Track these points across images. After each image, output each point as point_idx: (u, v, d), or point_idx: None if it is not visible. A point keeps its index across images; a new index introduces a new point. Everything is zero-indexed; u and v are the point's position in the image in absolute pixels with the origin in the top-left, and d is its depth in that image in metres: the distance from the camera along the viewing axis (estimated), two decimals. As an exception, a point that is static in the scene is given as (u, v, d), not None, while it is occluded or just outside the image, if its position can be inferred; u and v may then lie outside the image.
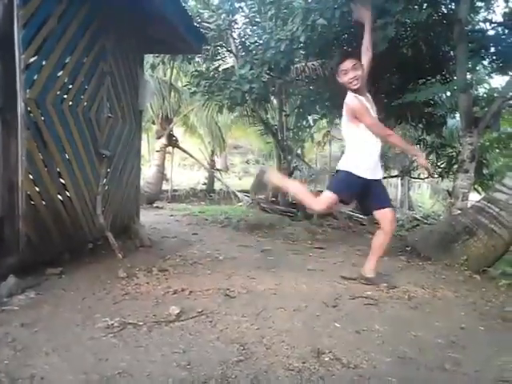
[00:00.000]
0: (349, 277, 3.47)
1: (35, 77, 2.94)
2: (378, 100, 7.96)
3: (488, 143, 8.35)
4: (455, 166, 6.31)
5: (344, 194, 3.25)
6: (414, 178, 12.12)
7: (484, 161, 7.48)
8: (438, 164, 8.14)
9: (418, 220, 11.18)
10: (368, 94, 3.30)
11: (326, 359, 1.97)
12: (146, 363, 1.85)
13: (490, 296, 3.21)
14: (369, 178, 3.17)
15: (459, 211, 5.10)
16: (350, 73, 3.08)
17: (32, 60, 2.91)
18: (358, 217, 10.18)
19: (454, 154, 7.54)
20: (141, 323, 2.27)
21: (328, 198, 3.21)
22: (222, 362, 1.88)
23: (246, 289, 3.04)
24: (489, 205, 4.35)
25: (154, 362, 1.87)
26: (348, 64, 3.08)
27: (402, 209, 14.82)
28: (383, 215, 3.25)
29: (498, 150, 9.09)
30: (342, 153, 3.49)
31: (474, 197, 6.70)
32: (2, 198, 2.73)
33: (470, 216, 4.47)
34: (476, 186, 7.38)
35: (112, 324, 2.23)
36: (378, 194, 3.29)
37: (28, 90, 2.82)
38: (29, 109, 2.86)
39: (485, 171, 7.55)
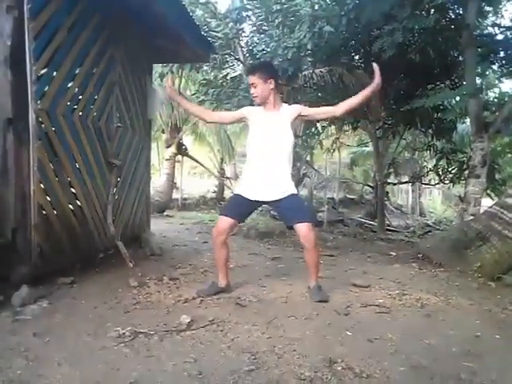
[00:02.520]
0: (360, 284, 3.44)
1: (46, 88, 2.97)
2: (386, 106, 8.00)
3: (499, 148, 8.28)
4: (466, 172, 6.25)
5: (229, 214, 3.04)
6: (424, 183, 12.03)
7: (496, 166, 7.40)
8: (449, 169, 8.07)
9: (430, 226, 11.10)
10: (284, 106, 3.09)
11: (339, 368, 1.94)
12: (158, 373, 1.84)
13: (505, 303, 3.14)
14: (251, 198, 2.99)
15: (472, 217, 5.05)
16: (252, 89, 3.01)
17: (43, 71, 2.95)
18: (368, 223, 10.13)
19: (464, 159, 7.48)
20: (152, 332, 2.27)
21: (218, 220, 3.11)
22: (234, 372, 1.86)
23: (256, 297, 3.02)
24: (502, 210, 4.29)
25: (165, 371, 1.86)
26: (250, 79, 3.02)
27: (413, 215, 14.71)
28: (298, 231, 2.99)
29: (510, 155, 9.01)
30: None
31: (487, 202, 6.62)
32: (14, 209, 2.75)
33: (483, 222, 4.42)
34: (488, 192, 7.30)
35: (123, 333, 2.23)
36: (286, 212, 3.06)
37: (39, 101, 2.86)
38: (40, 119, 2.89)
39: (497, 176, 7.48)
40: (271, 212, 9.08)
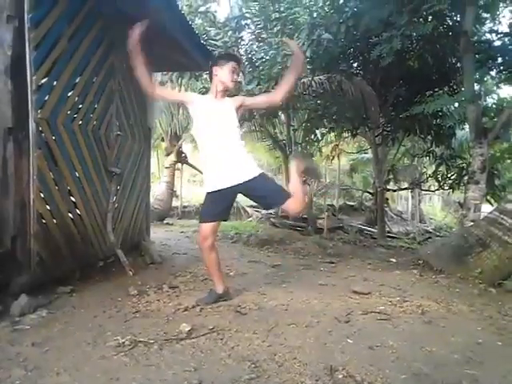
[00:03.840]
0: (361, 291, 3.43)
1: (46, 97, 2.99)
2: (385, 112, 8.02)
3: (499, 154, 8.28)
4: (466, 178, 6.26)
5: (208, 218, 3.02)
6: (424, 190, 12.04)
7: (495, 172, 7.41)
8: (449, 176, 8.07)
9: (430, 233, 11.08)
10: (228, 98, 3.09)
11: (340, 376, 1.93)
12: (157, 382, 1.83)
13: (506, 310, 3.14)
14: (223, 187, 2.94)
15: (472, 223, 5.04)
16: (236, 73, 3.04)
17: (43, 81, 2.97)
18: (368, 230, 10.12)
19: (464, 165, 7.49)
20: (152, 341, 2.25)
21: (199, 228, 3.09)
22: (234, 380, 1.85)
23: (257, 305, 3.01)
24: (502, 216, 4.29)
25: (165, 380, 1.84)
26: (239, 66, 3.10)
27: (413, 221, 14.70)
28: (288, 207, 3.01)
29: (509, 161, 9.02)
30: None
31: (487, 208, 6.62)
32: (14, 217, 2.75)
33: (483, 228, 4.41)
34: (488, 198, 7.30)
35: (123, 342, 2.21)
36: (264, 198, 3.08)
37: (39, 111, 2.87)
38: (40, 128, 2.90)
39: (496, 182, 7.48)
40: (271, 220, 9.07)
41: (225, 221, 3.26)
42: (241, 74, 7.84)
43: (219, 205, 3.03)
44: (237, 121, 3.03)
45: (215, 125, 2.95)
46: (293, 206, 2.94)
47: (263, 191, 3.00)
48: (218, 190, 2.95)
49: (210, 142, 2.97)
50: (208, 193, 3.03)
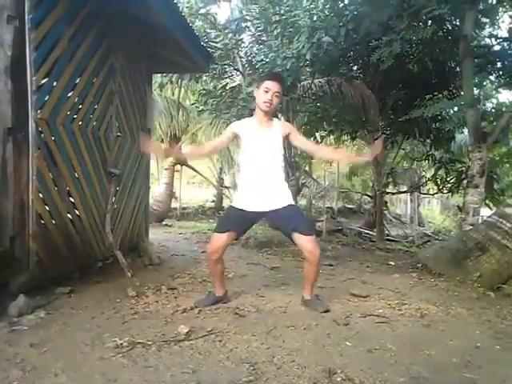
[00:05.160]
0: (359, 294, 3.43)
1: (46, 98, 2.99)
2: (384, 116, 8.03)
3: (498, 158, 8.29)
4: (465, 182, 6.26)
5: (224, 230, 2.96)
6: (423, 193, 12.04)
7: (494, 176, 7.40)
8: (448, 179, 8.08)
9: (429, 236, 11.08)
10: (275, 121, 3.07)
11: (338, 379, 1.93)
12: (155, 384, 1.82)
13: (505, 314, 3.13)
14: (249, 209, 2.92)
15: (470, 227, 5.04)
16: (270, 94, 2.89)
17: (43, 81, 2.97)
18: (367, 233, 10.12)
19: (463, 169, 7.48)
20: (150, 343, 2.25)
21: (212, 237, 3.04)
22: (232, 383, 1.85)
23: (255, 307, 3.01)
24: (501, 220, 4.29)
25: (163, 382, 1.84)
26: (275, 86, 2.90)
27: (411, 225, 14.69)
28: (304, 242, 2.89)
29: (508, 165, 9.03)
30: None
31: (485, 212, 6.62)
32: (13, 218, 2.75)
33: (482, 232, 4.41)
34: (487, 201, 7.30)
35: (121, 344, 2.21)
36: (285, 220, 2.97)
37: (39, 111, 2.87)
38: (40, 129, 2.90)
39: (495, 186, 7.48)
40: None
41: (235, 240, 3.20)
42: (241, 77, 7.86)
43: (238, 222, 3.01)
44: (281, 148, 3.01)
45: (259, 152, 2.95)
46: (310, 244, 2.86)
47: (286, 220, 2.95)
48: (244, 210, 2.95)
49: (252, 167, 2.98)
50: (233, 207, 3.03)
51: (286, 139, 3.07)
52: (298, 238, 2.88)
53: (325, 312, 2.92)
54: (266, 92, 2.90)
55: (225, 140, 3.12)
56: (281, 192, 2.97)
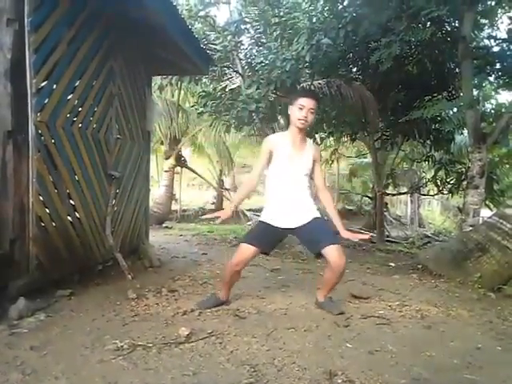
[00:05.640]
0: (360, 295, 3.42)
1: (46, 100, 2.99)
2: (384, 117, 8.03)
3: (497, 159, 8.30)
4: (465, 182, 6.26)
5: (254, 243, 2.92)
6: (423, 194, 12.03)
7: (494, 176, 7.41)
8: (448, 180, 8.08)
9: (429, 237, 11.07)
10: (308, 143, 3.06)
11: (339, 381, 1.93)
12: (156, 386, 1.82)
13: (506, 315, 3.13)
14: (278, 226, 2.94)
15: (471, 228, 5.04)
16: (305, 111, 2.86)
17: (43, 84, 2.97)
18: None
19: (463, 170, 7.49)
20: (150, 345, 2.25)
21: (239, 248, 2.99)
22: (233, 385, 1.84)
23: (256, 309, 3.00)
24: (501, 221, 4.29)
25: (163, 385, 1.84)
26: (310, 103, 2.86)
27: (412, 226, 14.69)
28: (330, 252, 2.83)
29: (508, 166, 9.03)
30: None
31: (486, 213, 6.62)
32: (13, 220, 2.75)
33: (482, 232, 4.41)
34: (487, 202, 7.30)
35: (121, 346, 2.21)
36: (312, 235, 2.94)
37: (39, 114, 2.87)
38: (39, 131, 2.90)
39: (495, 187, 7.48)
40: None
41: (265, 254, 3.16)
42: (240, 79, 7.86)
43: (270, 238, 3.01)
44: (310, 170, 3.01)
45: (290, 172, 2.95)
46: (335, 253, 2.80)
47: (311, 234, 2.94)
48: (273, 226, 2.95)
49: (281, 185, 2.97)
50: (263, 222, 3.02)
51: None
52: (324, 249, 2.82)
53: (339, 314, 2.91)
54: (301, 109, 2.86)
55: (265, 161, 3.05)
56: (307, 207, 2.97)
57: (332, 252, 2.79)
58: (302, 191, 2.98)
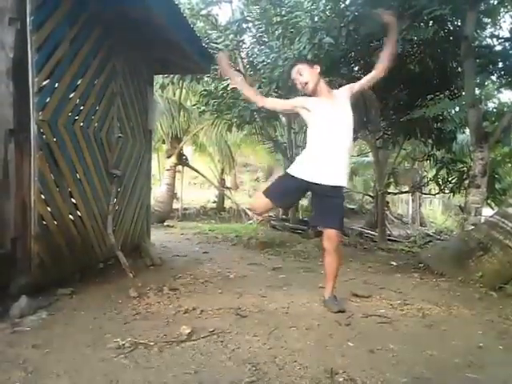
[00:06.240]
0: (361, 294, 3.42)
1: (48, 99, 2.99)
2: (386, 116, 8.01)
3: (499, 158, 8.28)
4: (467, 182, 6.25)
5: (271, 195, 3.00)
6: (425, 193, 12.01)
7: (496, 175, 7.40)
8: (449, 179, 8.07)
9: (431, 236, 11.06)
10: (337, 91, 3.11)
11: (340, 380, 1.93)
12: (157, 384, 1.82)
13: (508, 314, 3.12)
14: (306, 179, 2.91)
15: (472, 227, 5.03)
16: (298, 79, 3.00)
17: (45, 83, 2.97)
18: (368, 233, 10.10)
19: (465, 169, 7.48)
20: (152, 343, 2.25)
21: (256, 194, 3.07)
22: (234, 383, 1.84)
23: (257, 308, 3.00)
24: (502, 220, 4.28)
25: (165, 383, 1.84)
26: (294, 71, 3.02)
27: (413, 225, 14.68)
28: (327, 235, 2.98)
29: (510, 165, 9.01)
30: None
31: (487, 212, 6.61)
32: (14, 219, 2.75)
33: (484, 231, 4.40)
34: (489, 201, 7.29)
35: (123, 344, 2.21)
36: (324, 209, 3.02)
37: (41, 112, 2.88)
38: (41, 130, 2.91)
39: (497, 186, 7.46)
40: (271, 222, 9.05)
41: (281, 207, 3.27)
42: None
43: (290, 192, 3.05)
44: (351, 114, 3.02)
45: (331, 123, 2.93)
46: (331, 232, 2.93)
47: (325, 209, 3.00)
48: (301, 179, 2.93)
49: (323, 138, 2.94)
50: (289, 174, 3.01)
51: (354, 96, 3.11)
52: (324, 229, 2.98)
53: (338, 312, 2.92)
54: (296, 83, 3.03)
55: (289, 105, 3.12)
56: (342, 170, 2.95)
57: (328, 232, 2.95)
58: (341, 150, 2.94)
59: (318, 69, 3.01)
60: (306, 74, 2.96)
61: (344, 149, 2.96)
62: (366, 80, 3.11)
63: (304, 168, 2.96)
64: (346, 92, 3.06)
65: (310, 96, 3.02)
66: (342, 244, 2.95)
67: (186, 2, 7.63)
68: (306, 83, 2.96)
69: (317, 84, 2.97)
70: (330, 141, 2.92)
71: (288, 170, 3.05)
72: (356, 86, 3.10)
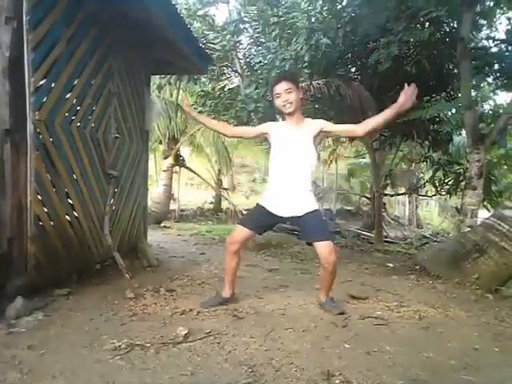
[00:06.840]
0: (358, 296, 3.43)
1: (44, 99, 2.98)
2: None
3: (495, 159, 8.32)
4: (463, 183, 6.28)
5: (248, 225, 3.03)
6: (421, 195, 12.05)
7: (492, 177, 7.43)
8: (446, 181, 8.09)
9: (427, 238, 11.08)
10: (306, 120, 3.02)
11: (337, 381, 1.93)
12: (154, 386, 1.82)
13: (503, 316, 3.13)
14: (274, 212, 2.95)
15: (468, 229, 5.05)
16: (283, 96, 2.90)
17: (41, 82, 2.96)
18: (365, 235, 10.12)
19: (461, 170, 7.51)
20: (148, 345, 2.24)
21: (235, 229, 3.07)
22: (231, 385, 1.84)
23: (254, 309, 3.00)
24: (499, 222, 4.29)
25: (161, 384, 1.84)
26: (282, 86, 2.90)
27: (410, 226, 14.71)
28: (319, 249, 2.87)
29: (505, 167, 9.06)
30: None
31: (483, 214, 6.64)
32: (11, 219, 2.74)
33: (480, 233, 4.42)
34: (485, 203, 7.32)
35: (119, 346, 2.20)
36: (307, 229, 2.97)
37: (37, 112, 2.86)
38: (38, 130, 2.89)
39: (493, 188, 7.50)
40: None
41: (259, 234, 3.27)
42: (239, 79, 7.86)
43: (264, 221, 3.06)
44: (313, 148, 2.94)
45: (287, 153, 2.93)
46: (325, 249, 2.84)
47: (306, 228, 2.98)
48: (268, 210, 2.98)
49: (279, 169, 2.98)
50: (259, 205, 3.05)
51: (323, 134, 3.00)
52: (316, 244, 2.87)
53: (339, 314, 2.92)
54: (279, 97, 2.93)
55: (252, 132, 3.22)
56: (305, 198, 2.93)
57: (322, 248, 2.85)
58: (301, 180, 2.94)
59: (301, 92, 3.04)
60: (294, 95, 2.91)
61: (301, 178, 2.93)
62: (343, 128, 3.08)
63: (267, 200, 3.01)
64: (315, 127, 2.96)
65: (282, 115, 3.00)
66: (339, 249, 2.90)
67: (182, 2, 7.63)
68: (291, 103, 2.91)
69: (297, 109, 2.96)
70: (285, 173, 2.94)
71: (258, 201, 3.10)
72: (329, 128, 2.99)
